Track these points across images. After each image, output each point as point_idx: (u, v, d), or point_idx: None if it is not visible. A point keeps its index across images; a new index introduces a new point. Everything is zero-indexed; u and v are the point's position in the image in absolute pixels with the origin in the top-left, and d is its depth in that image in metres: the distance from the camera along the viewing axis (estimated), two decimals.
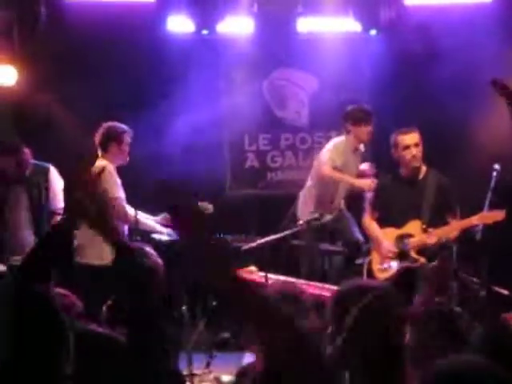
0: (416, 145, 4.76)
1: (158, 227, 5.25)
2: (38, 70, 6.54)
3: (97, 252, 4.83)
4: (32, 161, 5.21)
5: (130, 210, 5.01)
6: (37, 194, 5.15)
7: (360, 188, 5.44)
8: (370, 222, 4.93)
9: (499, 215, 4.59)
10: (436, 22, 6.36)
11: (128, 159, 5.15)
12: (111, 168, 5.00)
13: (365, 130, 5.59)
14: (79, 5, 6.42)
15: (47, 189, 5.18)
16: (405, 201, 4.76)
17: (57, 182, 5.25)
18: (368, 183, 5.30)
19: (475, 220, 4.64)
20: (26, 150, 5.18)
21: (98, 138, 5.12)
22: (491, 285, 5.15)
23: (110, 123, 5.16)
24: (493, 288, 5.18)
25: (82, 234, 5.02)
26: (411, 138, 4.76)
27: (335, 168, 5.60)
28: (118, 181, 5.02)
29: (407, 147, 4.74)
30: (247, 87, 7.17)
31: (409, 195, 4.77)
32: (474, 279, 5.23)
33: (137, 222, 4.88)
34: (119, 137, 5.09)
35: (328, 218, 5.81)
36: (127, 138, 5.12)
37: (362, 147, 5.81)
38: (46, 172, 5.20)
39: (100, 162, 5.05)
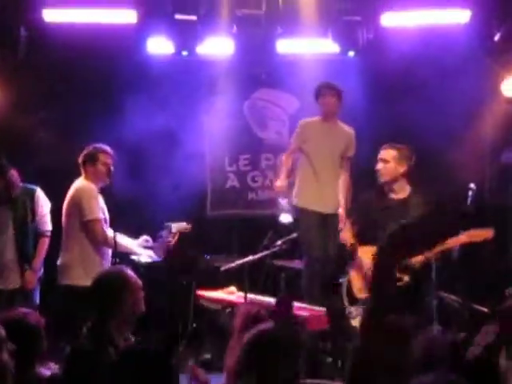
0: (383, 160, 4.82)
1: (137, 249, 5.25)
2: (19, 92, 6.55)
3: (81, 272, 4.83)
4: (20, 183, 5.22)
5: (109, 232, 5.00)
6: (22, 215, 5.14)
7: None
8: (349, 238, 4.93)
9: (488, 233, 4.60)
10: (413, 44, 6.45)
11: (108, 180, 5.13)
12: (91, 188, 5.00)
13: (322, 102, 5.74)
14: (60, 26, 6.43)
15: (33, 210, 5.17)
16: (386, 219, 4.75)
17: (44, 204, 5.26)
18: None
19: (464, 238, 4.64)
20: (14, 172, 5.18)
21: (82, 157, 5.17)
22: (471, 303, 5.19)
23: (92, 145, 5.19)
24: (473, 306, 5.22)
25: (65, 254, 5.03)
26: (382, 153, 4.88)
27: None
28: (98, 202, 5.01)
29: (377, 161, 4.86)
30: (228, 108, 7.21)
31: (391, 213, 4.77)
32: (454, 297, 5.27)
33: (115, 244, 4.86)
34: (94, 156, 5.11)
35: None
36: (103, 158, 5.12)
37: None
38: (33, 194, 5.23)
39: (80, 183, 5.08)
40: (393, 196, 4.86)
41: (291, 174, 5.86)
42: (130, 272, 3.53)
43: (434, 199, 4.86)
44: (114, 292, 3.38)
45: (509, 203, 6.47)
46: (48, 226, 5.29)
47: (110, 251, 5.03)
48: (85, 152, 5.15)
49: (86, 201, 4.96)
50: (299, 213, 5.67)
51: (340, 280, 5.33)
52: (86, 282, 4.65)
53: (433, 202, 4.82)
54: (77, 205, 4.98)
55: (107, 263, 5.02)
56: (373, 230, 4.81)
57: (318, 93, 5.81)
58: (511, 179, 6.52)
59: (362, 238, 4.87)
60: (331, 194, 5.66)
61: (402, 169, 4.85)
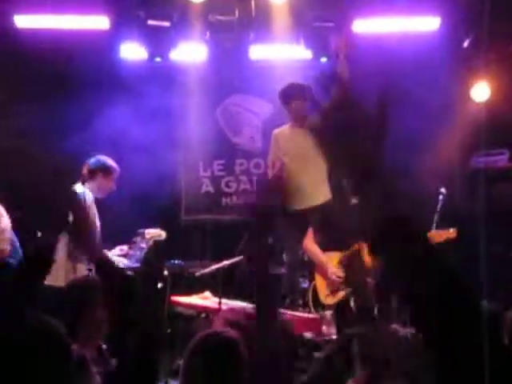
0: None
1: (111, 257, 5.26)
2: None
3: (62, 274, 4.82)
4: None
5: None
6: None
7: None
8: (312, 245, 4.95)
9: (451, 233, 4.66)
10: (384, 50, 6.54)
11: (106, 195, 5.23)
12: (87, 195, 5.02)
13: (296, 107, 5.76)
14: (32, 32, 6.40)
15: None
16: (349, 223, 4.80)
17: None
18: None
19: None
20: None
21: (87, 166, 5.20)
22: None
23: (103, 156, 5.28)
24: None
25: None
26: None
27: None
28: (91, 208, 5.04)
29: None
30: (201, 114, 7.23)
31: (353, 217, 4.82)
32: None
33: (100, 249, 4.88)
34: (109, 170, 5.22)
35: None
36: (114, 176, 5.26)
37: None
38: None
39: (79, 188, 5.07)
40: (354, 200, 4.89)
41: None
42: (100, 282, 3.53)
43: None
44: (85, 302, 3.38)
45: (478, 207, 6.56)
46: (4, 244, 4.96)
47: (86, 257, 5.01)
48: (99, 163, 5.21)
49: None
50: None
51: (305, 285, 5.38)
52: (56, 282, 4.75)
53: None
54: None
55: (84, 268, 4.99)
56: (335, 236, 4.83)
57: (291, 96, 5.78)
58: (480, 184, 6.62)
59: (326, 244, 4.88)
60: (312, 193, 5.67)
61: None
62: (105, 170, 5.21)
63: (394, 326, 3.73)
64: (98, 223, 5.10)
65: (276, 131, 6.00)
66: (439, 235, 4.68)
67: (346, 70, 5.65)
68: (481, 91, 6.64)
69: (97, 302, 3.43)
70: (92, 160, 5.24)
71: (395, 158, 6.45)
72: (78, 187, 5.11)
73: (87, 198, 5.00)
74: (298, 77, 6.39)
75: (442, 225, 4.84)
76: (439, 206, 4.94)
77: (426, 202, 5.34)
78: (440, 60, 6.48)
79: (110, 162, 5.29)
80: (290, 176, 5.80)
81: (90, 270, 4.91)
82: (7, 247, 4.91)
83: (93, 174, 5.18)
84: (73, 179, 5.20)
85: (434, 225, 4.83)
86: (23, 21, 6.37)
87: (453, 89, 6.61)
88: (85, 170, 5.20)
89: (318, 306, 4.96)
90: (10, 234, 4.95)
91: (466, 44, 6.51)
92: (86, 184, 5.13)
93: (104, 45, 6.61)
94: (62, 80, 6.69)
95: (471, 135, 6.55)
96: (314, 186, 5.68)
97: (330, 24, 6.59)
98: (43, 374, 2.08)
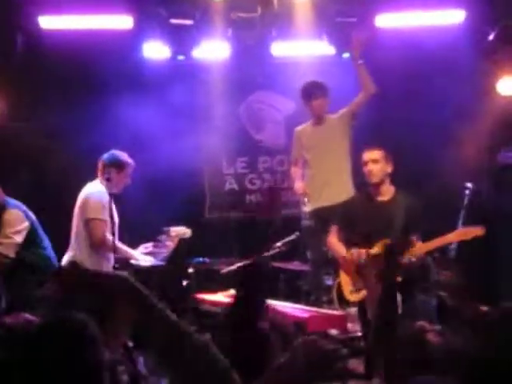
0: (373, 161, 4.80)
1: (137, 255, 5.26)
2: (15, 99, 6.57)
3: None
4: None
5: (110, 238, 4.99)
6: None
7: None
8: (336, 243, 4.93)
9: (479, 231, 4.57)
10: (408, 44, 6.48)
11: (122, 190, 5.17)
12: (101, 192, 5.02)
13: (316, 104, 5.76)
14: (56, 33, 6.46)
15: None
16: (373, 221, 4.75)
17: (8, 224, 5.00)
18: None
19: (452, 237, 4.63)
20: None
21: (101, 162, 5.16)
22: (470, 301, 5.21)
23: (116, 151, 5.21)
24: (472, 304, 5.24)
25: (69, 253, 5.05)
26: (369, 154, 4.83)
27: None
28: (105, 206, 4.97)
29: (365, 163, 4.83)
30: (224, 111, 7.24)
31: (377, 215, 4.77)
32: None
33: (115, 248, 4.88)
34: (123, 165, 5.15)
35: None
36: (129, 170, 5.18)
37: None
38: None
39: (92, 187, 5.09)
40: (378, 198, 4.85)
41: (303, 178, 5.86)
42: (130, 278, 3.54)
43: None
44: (110, 299, 3.39)
45: (505, 203, 6.49)
46: (1, 249, 4.93)
47: (111, 256, 5.03)
48: (113, 157, 5.15)
49: (91, 201, 5.00)
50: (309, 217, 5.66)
51: (330, 282, 5.35)
52: None
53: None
54: (83, 204, 5.02)
55: (109, 267, 5.01)
56: (361, 233, 4.80)
57: (310, 95, 5.79)
58: (508, 178, 6.54)
59: (350, 241, 4.84)
60: (335, 189, 5.65)
61: (389, 168, 4.85)
62: (118, 165, 5.13)
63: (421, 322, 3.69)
64: (116, 220, 5.09)
65: (298, 128, 5.99)
66: (465, 233, 4.61)
67: (369, 81, 5.61)
68: (507, 85, 6.55)
69: (123, 299, 3.45)
70: (105, 156, 5.17)
71: (420, 154, 6.41)
72: (95, 185, 5.10)
73: (104, 197, 4.98)
74: (321, 73, 6.37)
75: (469, 221, 4.77)
76: (465, 201, 4.88)
77: (451, 198, 5.28)
78: (465, 54, 6.40)
79: (124, 156, 5.20)
80: (312, 173, 5.79)
81: (116, 267, 4.95)
82: (10, 254, 4.90)
83: (107, 169, 5.10)
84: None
85: (461, 221, 4.77)
86: (47, 22, 6.43)
87: (478, 82, 6.53)
88: (99, 167, 5.15)
89: (343, 302, 4.94)
90: (20, 239, 4.92)
91: (491, 37, 6.42)
92: (100, 179, 5.10)
93: (127, 44, 6.64)
94: (86, 80, 6.74)
95: (498, 130, 6.49)
96: (337, 183, 5.67)
97: (353, 19, 6.55)
98: (72, 372, 2.10)
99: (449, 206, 5.14)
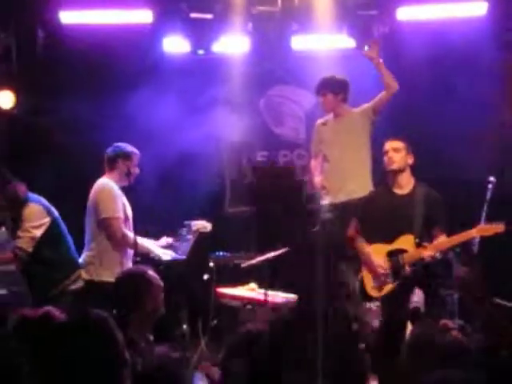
0: (394, 150, 4.78)
1: (158, 250, 5.26)
2: (36, 93, 6.62)
3: (99, 269, 4.91)
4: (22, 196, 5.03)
5: (130, 234, 5.01)
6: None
7: None
8: (356, 237, 4.90)
9: (499, 227, 4.54)
10: (429, 37, 6.42)
11: (132, 180, 5.12)
12: (110, 187, 5.01)
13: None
14: (76, 27, 6.49)
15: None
16: (393, 215, 4.71)
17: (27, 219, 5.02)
18: None
19: (474, 232, 4.58)
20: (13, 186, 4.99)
21: (106, 155, 5.13)
22: (492, 297, 5.17)
23: (121, 143, 5.18)
24: (495, 300, 5.19)
25: (85, 252, 5.07)
26: (391, 143, 4.83)
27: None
28: (120, 201, 4.99)
29: (386, 152, 4.82)
30: (244, 105, 7.23)
31: (397, 210, 4.73)
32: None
33: (136, 244, 4.88)
34: (128, 155, 5.10)
35: None
36: (135, 159, 5.12)
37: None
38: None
39: (100, 182, 5.09)
40: (398, 191, 4.81)
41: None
42: (152, 273, 3.55)
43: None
44: (135, 293, 3.41)
45: None
46: (20, 242, 4.95)
47: (131, 250, 5.04)
48: (116, 149, 5.12)
49: (102, 199, 4.96)
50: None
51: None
52: (104, 277, 4.82)
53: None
54: (94, 203, 5.00)
55: (129, 262, 5.04)
56: (381, 227, 4.77)
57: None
58: None
59: (371, 236, 4.82)
60: (353, 184, 5.64)
61: (410, 160, 4.81)
62: (124, 155, 5.07)
63: (444, 321, 3.67)
64: (129, 212, 5.07)
65: (318, 122, 5.98)
66: (487, 229, 4.58)
67: (391, 79, 5.57)
68: None
69: (146, 294, 3.47)
70: (110, 149, 5.12)
71: (443, 148, 6.36)
72: (104, 181, 5.05)
73: (114, 192, 4.95)
74: (341, 66, 6.34)
75: (491, 215, 4.73)
76: (488, 196, 4.83)
77: (473, 192, 5.23)
78: (487, 47, 6.32)
79: (129, 147, 5.14)
80: (330, 167, 5.78)
81: (138, 262, 4.97)
82: (27, 248, 4.93)
83: (113, 162, 5.07)
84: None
85: (484, 215, 4.73)
86: (68, 17, 6.46)
87: (500, 75, 6.46)
88: (106, 161, 5.11)
89: (365, 298, 4.92)
90: (39, 233, 4.93)
91: None
92: (108, 174, 5.08)
93: (147, 39, 6.65)
94: (106, 75, 6.76)
95: None
96: (355, 178, 5.64)
97: (374, 12, 6.51)
98: (92, 369, 2.11)
99: (472, 200, 5.08)
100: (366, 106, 5.78)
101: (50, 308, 2.88)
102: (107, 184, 5.03)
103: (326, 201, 5.50)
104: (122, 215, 4.97)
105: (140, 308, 3.43)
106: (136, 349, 3.18)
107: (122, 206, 4.99)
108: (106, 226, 4.94)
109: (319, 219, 5.42)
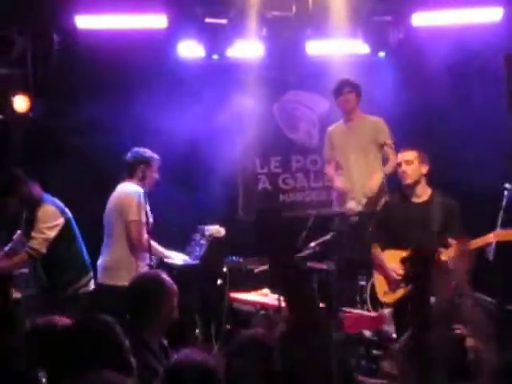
0: (407, 162, 4.77)
1: (170, 254, 5.28)
2: (51, 97, 6.65)
3: (123, 274, 4.88)
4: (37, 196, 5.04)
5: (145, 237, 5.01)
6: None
7: None
8: (372, 244, 4.88)
9: None
10: (444, 43, 6.40)
11: (153, 186, 5.15)
12: (139, 191, 5.00)
13: (342, 99, 5.87)
14: (92, 32, 6.52)
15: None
16: (409, 223, 4.70)
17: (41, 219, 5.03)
18: None
19: (491, 237, 4.56)
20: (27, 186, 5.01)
21: (125, 161, 5.14)
22: (506, 304, 5.13)
23: (140, 148, 5.18)
24: (508, 307, 5.15)
25: (108, 255, 5.08)
26: (403, 155, 4.84)
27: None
28: (143, 205, 4.97)
29: (399, 164, 4.81)
30: (258, 110, 7.23)
31: (413, 218, 4.72)
32: (489, 299, 5.21)
33: (150, 247, 4.89)
34: (148, 161, 5.10)
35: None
36: (155, 165, 5.14)
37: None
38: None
39: (128, 186, 5.09)
40: (415, 200, 4.79)
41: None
42: (166, 277, 3.55)
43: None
44: (149, 297, 3.40)
45: None
46: (33, 243, 4.97)
47: (147, 256, 5.04)
48: (142, 154, 5.12)
49: (132, 202, 4.98)
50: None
51: (363, 283, 5.31)
52: (127, 281, 4.82)
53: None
54: (123, 206, 5.01)
55: (145, 266, 5.04)
56: (397, 234, 4.75)
57: (337, 91, 5.91)
58: None
59: (388, 243, 4.80)
60: (362, 190, 5.66)
61: (425, 169, 4.80)
62: (145, 161, 5.08)
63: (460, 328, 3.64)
64: (150, 220, 5.06)
65: (329, 129, 6.03)
66: (503, 235, 4.55)
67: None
68: None
69: (159, 298, 3.46)
70: (129, 155, 5.12)
71: (459, 152, 6.32)
72: (131, 185, 5.04)
73: (142, 197, 4.94)
74: (356, 72, 6.34)
75: (508, 222, 4.70)
76: (504, 202, 4.80)
77: (489, 198, 5.20)
78: (503, 52, 6.29)
79: (148, 152, 5.14)
80: (343, 174, 5.79)
81: (151, 265, 4.98)
82: (41, 249, 4.94)
83: (133, 168, 5.08)
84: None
85: (500, 222, 4.70)
86: (84, 21, 6.49)
87: None
88: (127, 167, 5.10)
89: (376, 303, 4.90)
90: (53, 234, 4.93)
91: None
92: (129, 180, 5.08)
93: (162, 44, 6.67)
94: (121, 79, 6.78)
95: None
96: (372, 178, 5.67)
97: (389, 18, 6.50)
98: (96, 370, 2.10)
99: (488, 207, 5.05)
100: (382, 129, 5.81)
101: (56, 315, 2.88)
102: (136, 188, 5.04)
103: (351, 204, 5.53)
104: (144, 220, 4.98)
105: (154, 312, 3.42)
106: (151, 353, 3.18)
107: (144, 212, 5.00)
108: (132, 229, 4.96)
109: (347, 223, 5.43)
